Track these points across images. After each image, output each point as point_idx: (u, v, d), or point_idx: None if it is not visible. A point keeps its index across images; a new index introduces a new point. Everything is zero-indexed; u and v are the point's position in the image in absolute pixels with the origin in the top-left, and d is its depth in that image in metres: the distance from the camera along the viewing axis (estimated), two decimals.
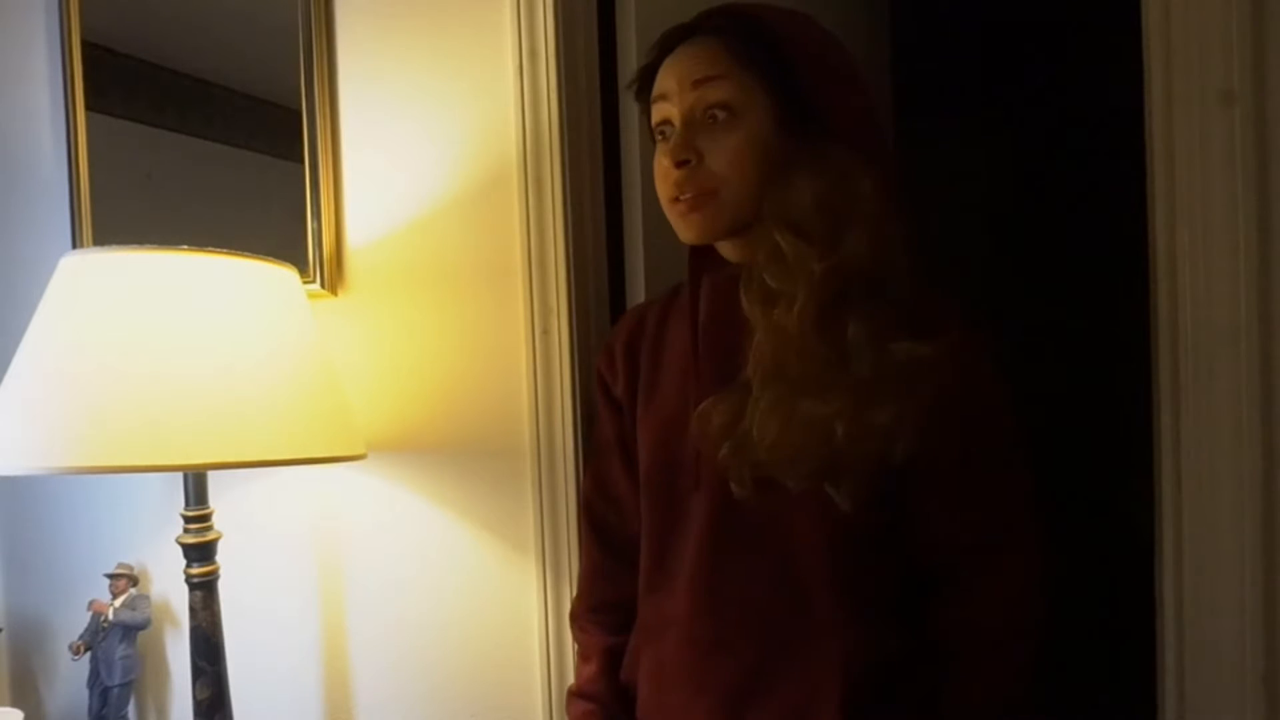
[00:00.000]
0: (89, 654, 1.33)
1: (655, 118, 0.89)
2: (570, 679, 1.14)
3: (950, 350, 0.77)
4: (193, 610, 1.13)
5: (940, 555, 0.87)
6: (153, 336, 0.98)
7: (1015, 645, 0.86)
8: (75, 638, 1.34)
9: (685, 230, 0.88)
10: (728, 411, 0.82)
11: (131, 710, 1.37)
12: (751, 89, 0.83)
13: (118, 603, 1.33)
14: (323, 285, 1.30)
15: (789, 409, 0.77)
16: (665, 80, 0.87)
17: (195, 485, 1.13)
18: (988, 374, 0.85)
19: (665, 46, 0.89)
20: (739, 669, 0.85)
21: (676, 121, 0.86)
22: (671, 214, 0.89)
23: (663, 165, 0.87)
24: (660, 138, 0.89)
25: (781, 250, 0.80)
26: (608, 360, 1.02)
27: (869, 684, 0.82)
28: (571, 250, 1.21)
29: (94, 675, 1.34)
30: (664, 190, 0.88)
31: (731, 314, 0.85)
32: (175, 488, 1.15)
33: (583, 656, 1.02)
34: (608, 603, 1.01)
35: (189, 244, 1.05)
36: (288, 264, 1.15)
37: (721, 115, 0.83)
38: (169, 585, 1.39)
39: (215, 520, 1.15)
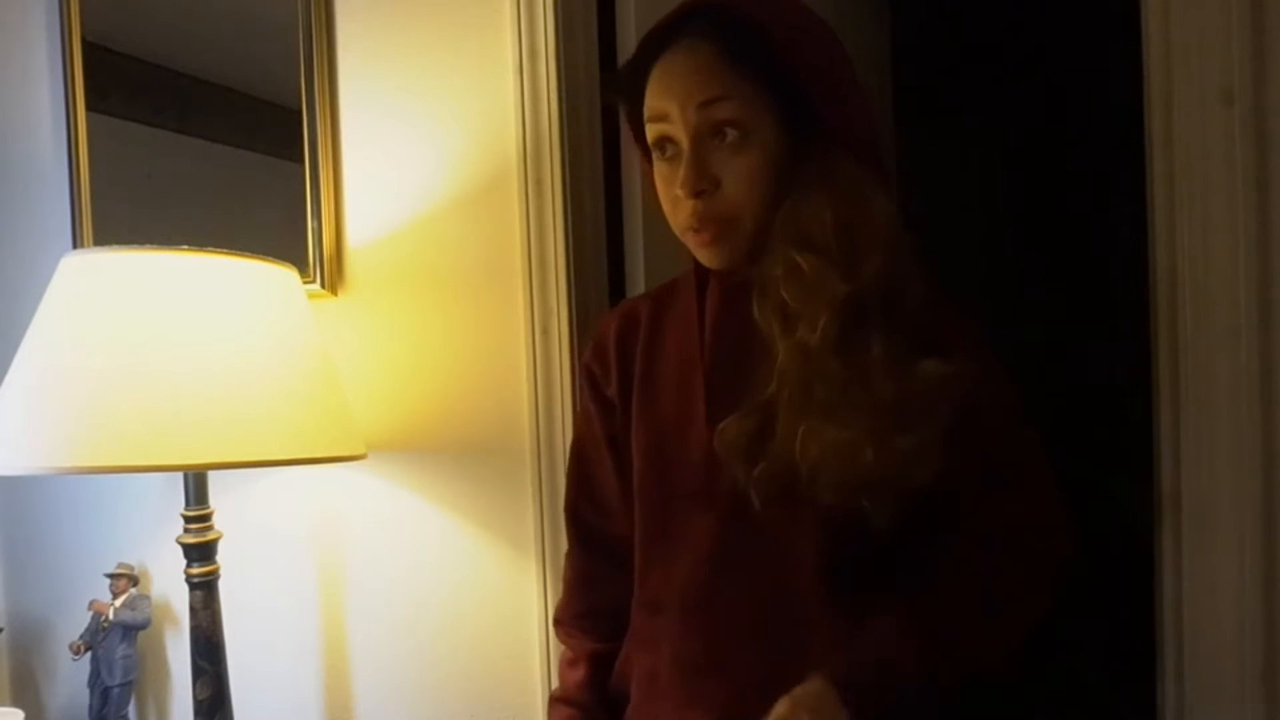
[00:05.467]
0: (89, 654, 1.33)
1: (653, 135, 0.84)
2: None
3: (969, 368, 0.77)
4: (193, 610, 1.13)
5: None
6: (153, 336, 0.98)
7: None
8: (75, 638, 1.34)
9: (709, 260, 0.86)
10: (753, 428, 0.80)
11: (132, 710, 1.37)
12: (757, 103, 0.80)
13: (118, 603, 1.33)
14: (323, 285, 1.30)
15: (820, 433, 0.76)
16: (663, 102, 0.82)
17: (195, 485, 1.13)
18: (1006, 388, 0.85)
19: (650, 50, 0.84)
20: (733, 688, 0.83)
21: (684, 144, 0.81)
22: (689, 242, 0.85)
23: (674, 194, 0.83)
24: (660, 154, 0.85)
25: (801, 269, 0.78)
26: (599, 358, 0.97)
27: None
28: (571, 250, 1.21)
29: (94, 675, 1.34)
30: (677, 219, 0.85)
31: (742, 325, 0.83)
32: (175, 488, 1.15)
33: (569, 662, 0.99)
34: (596, 610, 0.98)
35: (189, 244, 1.05)
36: (288, 264, 1.15)
37: (732, 134, 0.80)
38: (169, 585, 1.39)
39: (216, 520, 1.15)
